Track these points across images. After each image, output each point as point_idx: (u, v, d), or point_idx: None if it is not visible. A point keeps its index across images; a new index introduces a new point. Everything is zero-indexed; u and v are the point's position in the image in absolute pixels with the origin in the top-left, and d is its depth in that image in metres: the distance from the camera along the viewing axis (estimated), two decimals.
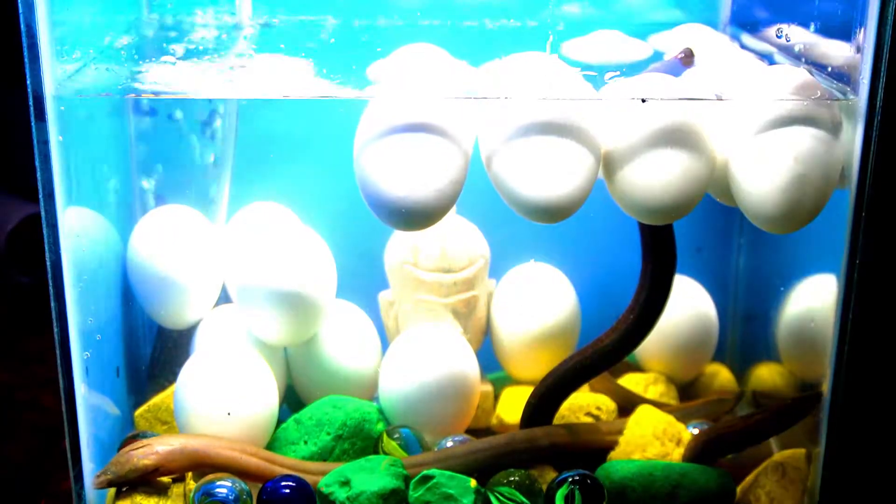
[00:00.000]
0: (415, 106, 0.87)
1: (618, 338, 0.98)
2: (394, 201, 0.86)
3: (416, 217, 0.87)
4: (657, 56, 1.05)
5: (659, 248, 0.96)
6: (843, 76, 0.91)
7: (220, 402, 0.97)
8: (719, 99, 0.90)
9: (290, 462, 0.97)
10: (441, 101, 0.88)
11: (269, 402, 1.00)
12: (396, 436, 1.00)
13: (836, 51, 0.92)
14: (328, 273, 1.05)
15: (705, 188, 0.90)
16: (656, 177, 0.87)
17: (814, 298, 1.01)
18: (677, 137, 0.88)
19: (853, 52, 0.89)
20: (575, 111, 0.87)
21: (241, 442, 0.96)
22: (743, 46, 1.11)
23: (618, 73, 0.94)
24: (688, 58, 0.98)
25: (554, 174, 0.86)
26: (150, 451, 0.92)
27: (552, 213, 0.87)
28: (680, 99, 0.89)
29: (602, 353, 0.99)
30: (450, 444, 1.01)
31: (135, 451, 0.92)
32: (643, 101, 0.87)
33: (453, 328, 1.09)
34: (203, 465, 0.94)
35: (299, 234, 1.05)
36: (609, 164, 0.90)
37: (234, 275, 1.05)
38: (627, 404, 1.07)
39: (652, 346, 1.07)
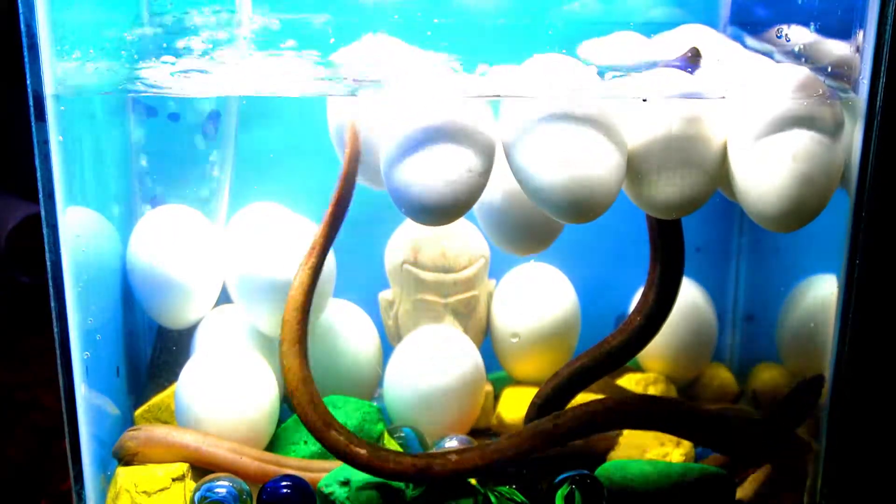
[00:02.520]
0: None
1: (625, 339, 0.97)
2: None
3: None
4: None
5: (667, 250, 0.96)
6: (843, 76, 0.91)
7: (222, 402, 0.97)
8: (722, 97, 0.91)
9: (285, 461, 0.97)
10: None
11: (270, 402, 1.00)
12: (398, 435, 1.00)
13: (836, 50, 0.92)
14: (327, 264, 1.05)
15: (717, 184, 0.90)
16: (669, 172, 0.87)
17: (814, 299, 1.02)
18: (688, 133, 0.88)
19: (853, 52, 0.89)
20: (605, 109, 0.87)
21: (236, 442, 0.96)
22: (745, 46, 1.11)
23: (619, 73, 0.94)
24: (695, 57, 0.98)
25: (583, 172, 0.86)
26: (137, 434, 0.95)
27: (584, 212, 0.87)
28: (684, 97, 0.89)
29: (608, 354, 0.98)
30: (451, 443, 1.01)
31: (128, 433, 0.96)
32: (644, 100, 0.88)
33: (453, 328, 1.09)
34: (186, 460, 0.95)
35: (296, 224, 1.05)
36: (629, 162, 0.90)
37: (233, 266, 1.05)
38: None
39: (652, 346, 1.07)
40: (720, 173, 0.90)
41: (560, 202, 0.86)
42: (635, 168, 0.89)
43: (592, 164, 0.86)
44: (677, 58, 0.97)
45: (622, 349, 0.98)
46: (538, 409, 1.00)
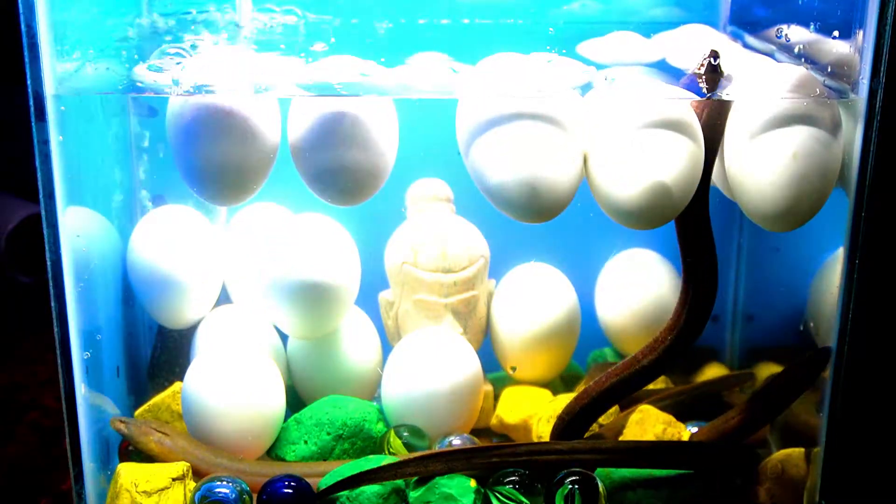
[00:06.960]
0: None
1: (655, 357, 0.95)
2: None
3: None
4: (663, 62, 1.04)
5: (700, 270, 0.93)
6: (843, 76, 0.91)
7: (231, 401, 0.97)
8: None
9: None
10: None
11: (277, 401, 1.00)
12: (405, 434, 1.00)
13: (836, 50, 0.92)
14: (354, 268, 1.05)
15: (689, 191, 0.89)
16: (634, 178, 0.87)
17: (813, 297, 1.02)
18: (663, 136, 0.87)
19: (853, 52, 0.89)
20: (561, 109, 0.87)
21: (244, 461, 0.97)
22: (746, 46, 1.11)
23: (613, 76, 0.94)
24: (711, 66, 0.94)
25: (536, 172, 0.86)
26: (163, 440, 0.97)
27: (538, 212, 0.87)
28: (681, 98, 0.89)
29: (639, 372, 0.96)
30: (456, 442, 1.01)
31: (155, 432, 0.97)
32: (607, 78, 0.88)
33: (453, 328, 1.09)
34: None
35: (326, 225, 1.05)
36: (590, 166, 0.90)
37: (262, 267, 1.05)
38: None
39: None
40: (695, 179, 0.88)
41: (513, 201, 0.87)
42: (603, 175, 0.88)
43: (546, 163, 0.86)
44: (690, 75, 0.95)
45: (652, 367, 0.96)
46: (566, 424, 0.99)
